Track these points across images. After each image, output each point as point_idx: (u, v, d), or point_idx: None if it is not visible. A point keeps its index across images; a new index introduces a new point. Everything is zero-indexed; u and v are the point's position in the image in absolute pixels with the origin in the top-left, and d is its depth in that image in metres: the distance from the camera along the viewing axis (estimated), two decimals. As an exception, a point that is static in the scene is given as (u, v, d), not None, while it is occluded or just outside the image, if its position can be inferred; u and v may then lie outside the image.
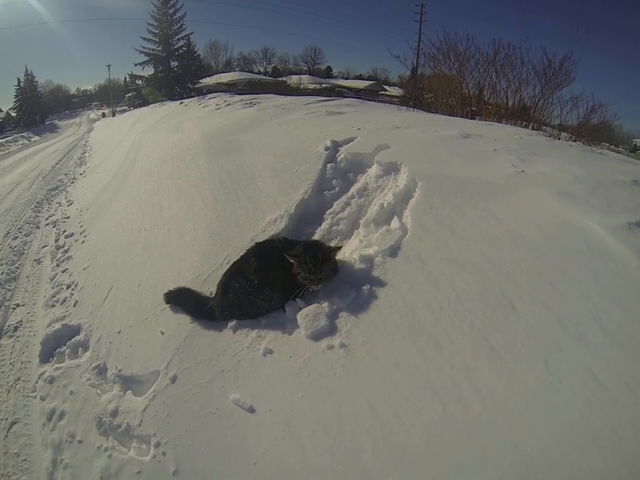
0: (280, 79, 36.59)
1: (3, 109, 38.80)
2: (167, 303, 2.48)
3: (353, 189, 2.79)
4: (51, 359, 2.72)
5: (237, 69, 43.72)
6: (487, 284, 1.80)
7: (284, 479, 1.52)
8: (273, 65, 51.61)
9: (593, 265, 1.76)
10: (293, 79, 34.37)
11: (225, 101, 8.24)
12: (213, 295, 2.33)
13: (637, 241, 1.80)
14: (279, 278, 2.11)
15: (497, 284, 1.79)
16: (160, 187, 4.09)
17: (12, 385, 2.65)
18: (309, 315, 1.97)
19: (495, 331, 1.62)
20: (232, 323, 2.17)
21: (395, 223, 2.30)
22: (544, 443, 1.29)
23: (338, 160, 3.10)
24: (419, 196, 2.40)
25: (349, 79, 46.44)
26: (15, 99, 33.86)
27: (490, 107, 8.93)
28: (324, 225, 2.60)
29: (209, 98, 10.80)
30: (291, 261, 2.08)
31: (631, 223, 1.89)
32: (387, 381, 1.62)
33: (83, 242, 4.20)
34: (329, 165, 3.05)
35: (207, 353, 2.08)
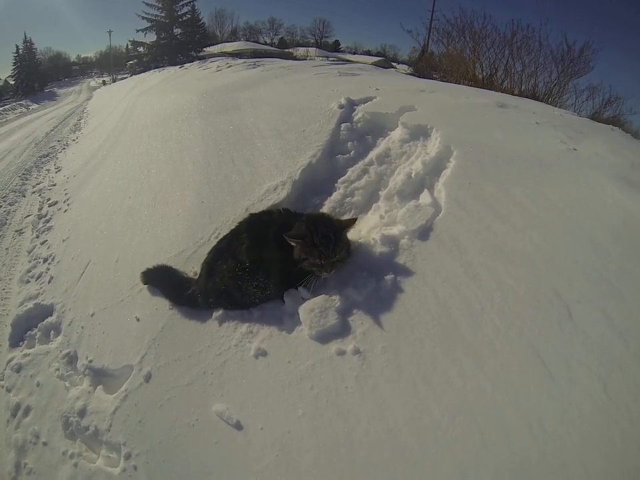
0: (286, 50, 35.39)
1: (1, 77, 37.86)
2: (145, 284, 2.08)
3: (372, 154, 2.35)
4: (21, 343, 2.41)
5: (242, 39, 42.39)
6: (538, 282, 1.44)
7: None
8: (280, 37, 49.92)
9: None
10: (300, 51, 33.31)
11: (227, 63, 7.64)
12: (197, 277, 1.91)
13: None
14: (277, 259, 1.68)
15: (551, 283, 1.43)
16: (149, 150, 3.65)
17: None
18: (314, 309, 1.56)
19: (547, 342, 1.29)
20: (218, 313, 1.77)
21: (425, 198, 1.87)
22: None
23: (354, 120, 2.64)
24: (454, 167, 1.98)
25: (357, 54, 45.21)
26: (14, 67, 32.87)
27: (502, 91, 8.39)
28: (335, 195, 2.16)
29: (211, 61, 10.14)
30: (293, 244, 1.64)
31: None
32: (412, 400, 1.26)
33: (66, 211, 3.81)
34: (343, 125, 2.59)
35: (187, 348, 1.70)
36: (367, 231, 1.90)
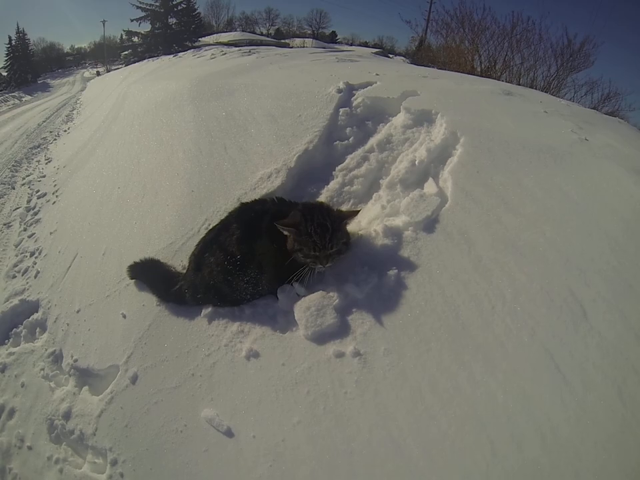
0: (283, 40, 34.84)
1: (-8, 69, 37.17)
2: (132, 278, 1.96)
3: (373, 141, 2.23)
4: (6, 341, 2.30)
5: (238, 29, 41.72)
6: (552, 279, 1.35)
7: None
8: (276, 27, 49.03)
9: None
10: (296, 42, 32.93)
11: (222, 51, 7.44)
12: (185, 271, 1.79)
13: None
14: (270, 253, 1.55)
15: (565, 281, 1.34)
16: (140, 139, 3.49)
17: None
18: (310, 307, 1.44)
19: (561, 344, 1.21)
20: (207, 310, 1.65)
21: (430, 187, 1.77)
22: None
23: (354, 105, 2.52)
24: (461, 154, 1.87)
25: (354, 45, 44.57)
26: (6, 58, 32.21)
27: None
28: (333, 184, 2.04)
29: (205, 50, 9.90)
30: (286, 233, 1.52)
31: None
32: (417, 408, 1.17)
33: (54, 202, 3.67)
34: (341, 110, 2.47)
35: (175, 348, 1.59)
36: (367, 222, 1.80)
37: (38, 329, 2.25)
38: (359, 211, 1.71)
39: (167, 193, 2.40)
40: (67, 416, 1.69)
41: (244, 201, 1.82)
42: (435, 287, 1.41)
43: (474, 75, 8.26)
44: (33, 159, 6.30)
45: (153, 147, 3.16)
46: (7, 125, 10.76)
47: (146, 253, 2.03)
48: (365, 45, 46.64)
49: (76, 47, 49.66)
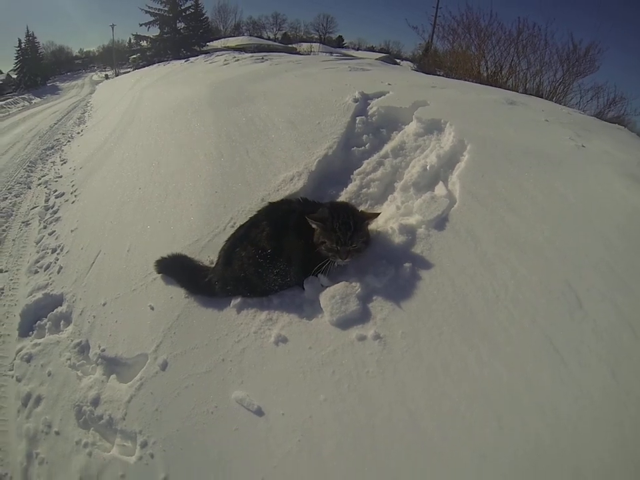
0: (290, 45, 35.31)
1: (3, 71, 37.79)
2: (159, 273, 2.08)
3: (387, 147, 2.40)
4: (30, 333, 2.42)
5: (245, 34, 42.38)
6: (550, 273, 1.49)
7: None
8: (283, 32, 49.84)
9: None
10: (304, 46, 33.18)
11: (234, 57, 7.65)
12: (214, 265, 1.92)
13: None
14: (297, 247, 1.70)
15: (562, 274, 1.48)
16: (158, 142, 3.65)
17: None
18: (335, 295, 1.58)
19: (559, 330, 1.33)
20: (236, 301, 1.78)
21: (440, 190, 1.93)
22: (607, 469, 1.06)
23: (369, 113, 2.70)
24: (468, 160, 2.04)
25: (360, 49, 45.23)
26: (16, 61, 32.89)
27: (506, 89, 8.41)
28: (351, 187, 2.20)
29: (217, 55, 10.14)
30: (314, 226, 1.67)
31: None
32: (432, 385, 1.29)
33: (73, 202, 3.82)
34: (358, 118, 2.64)
35: (205, 337, 1.70)
36: (383, 221, 1.93)
37: (62, 322, 2.35)
38: (379, 213, 1.86)
39: (190, 194, 2.53)
40: (96, 402, 1.76)
41: (268, 201, 1.96)
42: (445, 279, 1.55)
43: (480, 80, 8.44)
44: (47, 160, 6.49)
45: (172, 150, 3.31)
46: (19, 126, 11.02)
47: (171, 249, 2.15)
48: (372, 49, 47.09)
49: (85, 50, 50.83)
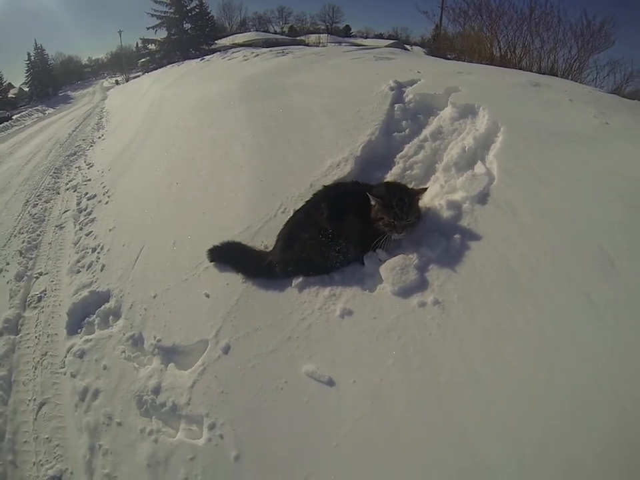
0: (298, 38, 35.58)
1: (15, 85, 39.44)
2: (212, 261, 2.19)
3: (426, 132, 2.59)
4: (79, 330, 2.54)
5: (252, 29, 43.07)
6: (582, 239, 1.67)
7: (373, 462, 1.31)
8: (290, 25, 50.56)
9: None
10: (312, 38, 33.43)
11: (252, 52, 7.82)
12: (271, 249, 2.05)
13: None
14: (356, 225, 1.85)
15: (594, 239, 1.65)
16: (189, 138, 3.80)
17: (39, 362, 2.49)
18: (395, 267, 1.74)
19: (594, 288, 1.49)
20: (297, 281, 1.90)
21: (479, 168, 2.12)
22: None
23: (406, 100, 2.89)
24: (502, 141, 2.24)
25: (369, 37, 45.32)
26: (27, 74, 34.36)
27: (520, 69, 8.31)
28: (395, 169, 2.38)
29: (233, 52, 10.37)
30: (373, 202, 1.84)
31: None
32: (487, 343, 1.45)
33: (107, 202, 4.00)
34: (396, 106, 2.84)
35: (267, 318, 1.81)
36: (429, 199, 2.10)
37: (111, 317, 2.46)
38: (427, 188, 2.04)
39: (233, 185, 2.65)
40: (157, 391, 1.84)
41: (323, 185, 2.08)
42: (491, 247, 1.73)
43: (493, 61, 8.39)
44: (72, 166, 6.76)
45: (206, 144, 3.45)
46: (37, 136, 11.54)
47: (220, 238, 2.25)
48: (380, 36, 47.29)
49: (93, 58, 52.53)
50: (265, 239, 2.14)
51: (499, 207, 1.88)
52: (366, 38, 43.96)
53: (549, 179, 1.95)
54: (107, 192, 4.26)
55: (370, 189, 1.90)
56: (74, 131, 10.88)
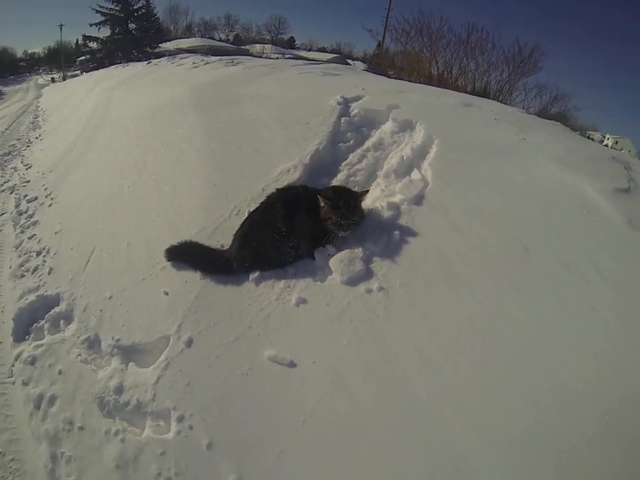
0: (243, 47, 35.22)
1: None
2: (169, 260, 2.21)
3: (368, 143, 2.84)
4: (27, 337, 2.36)
5: (197, 35, 41.83)
6: (504, 233, 2.00)
7: (339, 432, 1.45)
8: (235, 33, 49.32)
9: (588, 220, 2.07)
10: (256, 48, 33.25)
11: (202, 60, 7.70)
12: (228, 247, 2.15)
13: (622, 203, 2.17)
14: (307, 224, 2.04)
15: (514, 233, 1.99)
16: (140, 142, 3.70)
17: None
18: (343, 260, 1.94)
19: (515, 272, 1.81)
20: (254, 275, 2.03)
21: (415, 175, 2.39)
22: (563, 360, 1.52)
23: (352, 114, 3.13)
24: (435, 152, 2.53)
25: (312, 50, 45.65)
26: (-47, 63, 30.85)
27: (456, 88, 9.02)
28: (340, 176, 2.59)
29: (181, 58, 10.11)
30: (322, 204, 2.02)
31: (616, 189, 2.29)
32: (428, 320, 1.68)
33: (50, 205, 3.74)
34: (342, 119, 3.07)
35: (227, 310, 1.89)
36: (371, 201, 2.34)
37: (62, 321, 2.34)
38: (369, 190, 2.25)
39: (187, 188, 2.68)
40: (119, 390, 1.81)
41: (276, 188, 2.23)
42: (427, 241, 2.00)
43: (431, 80, 9.02)
44: (6, 166, 6.21)
45: (158, 149, 3.39)
46: (-38, 133, 10.44)
47: (176, 239, 2.27)
48: (323, 50, 47.68)
49: (29, 51, 48.11)
50: (220, 239, 2.22)
51: (433, 207, 2.16)
52: (309, 50, 44.25)
53: (476, 184, 2.27)
54: (49, 194, 3.98)
55: (318, 192, 2.09)
56: (7, 129, 9.97)
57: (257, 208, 2.18)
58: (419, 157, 2.54)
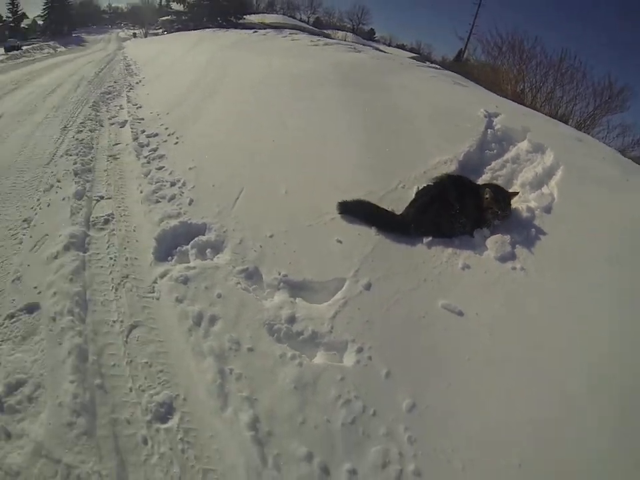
0: (324, 31, 35.25)
1: (29, 16, 36.88)
2: (340, 213, 2.41)
3: (507, 155, 3.23)
4: (169, 258, 2.47)
5: (279, 12, 41.94)
6: (617, 244, 2.33)
7: (490, 369, 1.72)
8: (317, 16, 49.33)
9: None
10: (339, 35, 33.12)
11: (319, 39, 7.94)
12: (404, 212, 2.46)
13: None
14: (472, 208, 2.40)
15: (624, 247, 2.32)
16: (278, 104, 3.98)
17: (119, 283, 2.34)
18: (497, 241, 2.33)
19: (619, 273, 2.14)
20: (427, 239, 2.33)
21: (545, 190, 2.82)
22: None
23: (495, 128, 3.52)
24: (561, 174, 2.91)
25: (391, 45, 44.79)
26: (44, 7, 32.25)
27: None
28: (484, 177, 2.99)
29: (290, 33, 10.42)
30: (487, 195, 2.41)
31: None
32: (556, 300, 2.01)
33: (176, 143, 4.00)
34: (488, 130, 3.46)
35: (403, 265, 2.17)
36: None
37: (209, 249, 2.45)
38: (518, 192, 2.62)
39: (341, 155, 2.96)
40: (291, 320, 1.90)
41: (430, 175, 2.70)
42: (554, 240, 2.36)
43: (515, 99, 8.90)
44: (110, 104, 6.60)
45: (301, 114, 3.65)
46: (53, 71, 11.00)
47: (338, 196, 2.49)
48: (402, 47, 46.53)
49: (113, 5, 50.08)
50: (389, 204, 2.52)
51: (558, 217, 2.54)
52: (389, 45, 43.66)
53: (593, 206, 2.63)
54: (172, 133, 4.27)
55: (477, 186, 2.53)
56: (100, 71, 10.52)
57: (431, 185, 2.51)
58: (547, 175, 2.94)
